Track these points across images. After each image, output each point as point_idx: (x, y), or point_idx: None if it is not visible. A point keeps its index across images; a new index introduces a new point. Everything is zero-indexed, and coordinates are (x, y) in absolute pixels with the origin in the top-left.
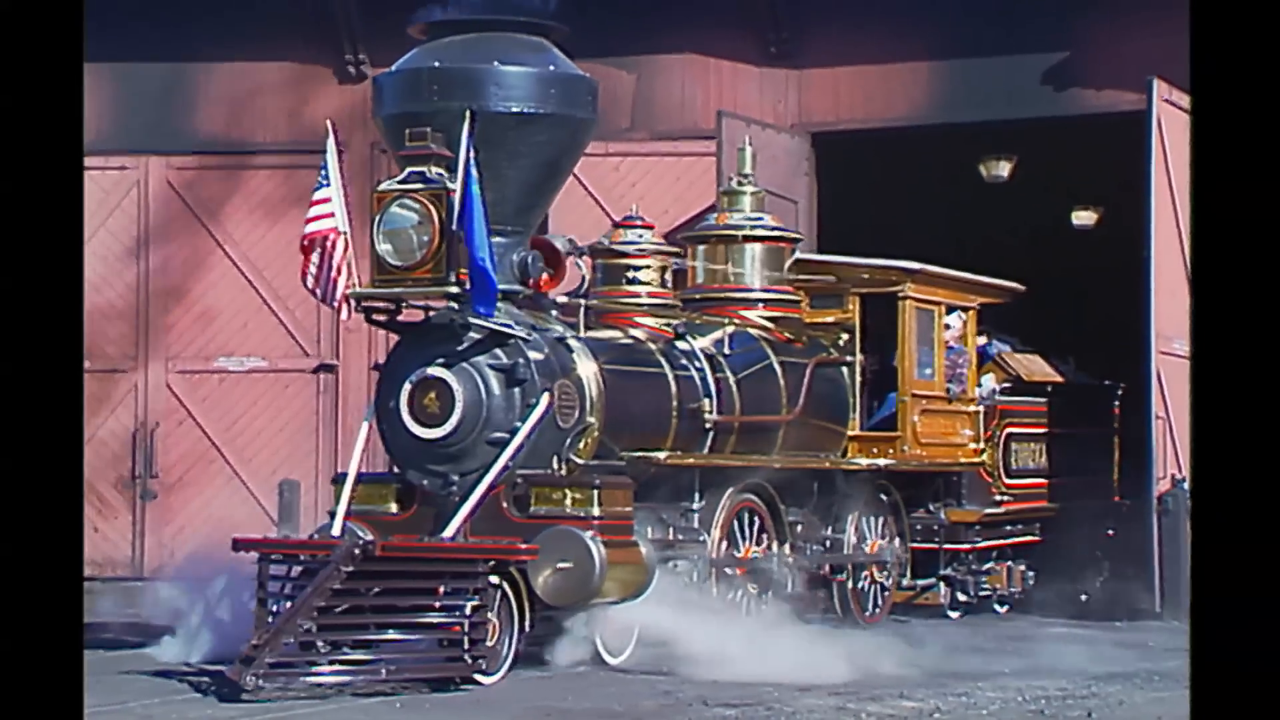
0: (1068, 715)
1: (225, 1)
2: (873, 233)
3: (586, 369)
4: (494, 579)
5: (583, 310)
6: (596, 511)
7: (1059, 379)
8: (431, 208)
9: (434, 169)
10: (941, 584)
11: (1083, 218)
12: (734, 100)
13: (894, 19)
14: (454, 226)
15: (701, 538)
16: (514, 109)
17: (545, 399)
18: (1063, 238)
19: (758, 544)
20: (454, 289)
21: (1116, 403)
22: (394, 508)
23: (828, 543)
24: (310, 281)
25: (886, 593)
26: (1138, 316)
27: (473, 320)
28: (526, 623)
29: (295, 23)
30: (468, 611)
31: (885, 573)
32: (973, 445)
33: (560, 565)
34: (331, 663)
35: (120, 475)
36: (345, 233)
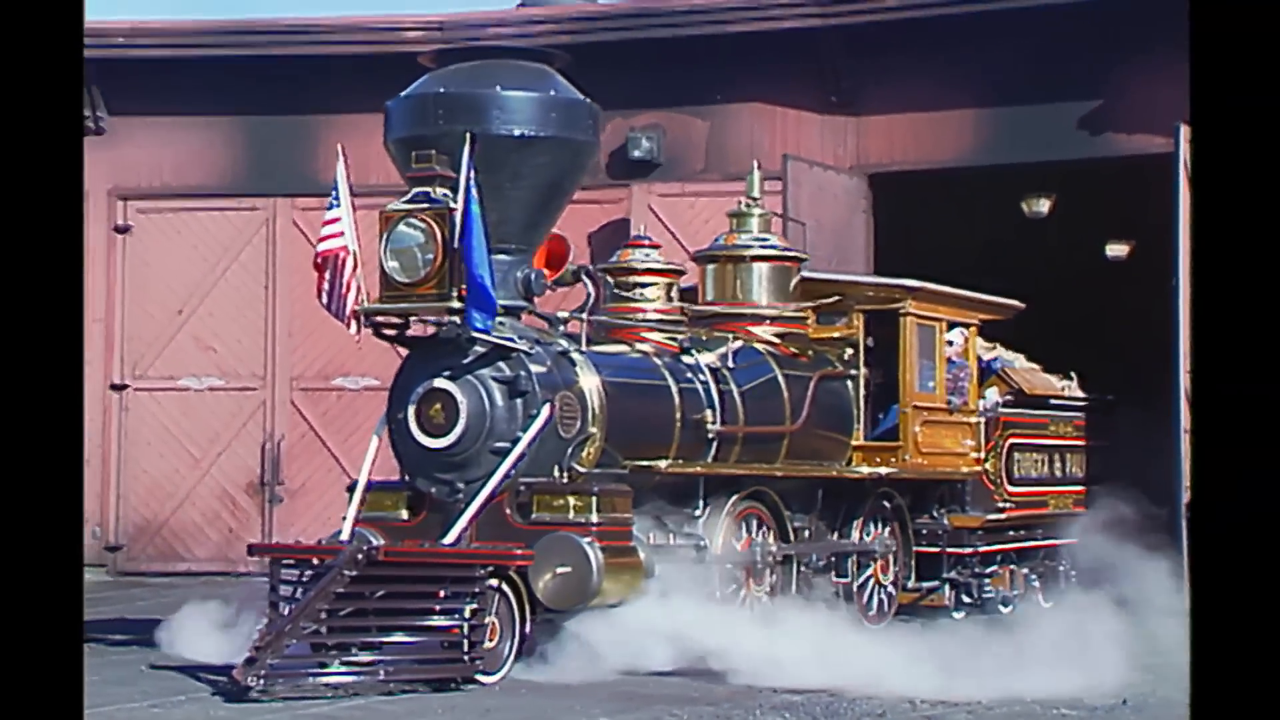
0: (1105, 702)
1: (341, 62)
2: (923, 263)
3: (589, 381)
4: (493, 583)
5: (584, 325)
6: (595, 518)
7: (1059, 393)
8: (436, 226)
9: (439, 189)
10: (946, 586)
11: (1116, 250)
12: (798, 145)
13: (943, 71)
14: (455, 244)
15: (703, 543)
16: (515, 132)
17: (546, 410)
18: (1097, 268)
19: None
20: (456, 304)
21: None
22: (404, 514)
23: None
24: (324, 298)
25: (892, 594)
26: (1165, 338)
27: (474, 334)
28: (527, 625)
29: (401, 81)
30: (467, 615)
31: (889, 575)
32: (974, 455)
33: (559, 570)
34: (334, 664)
35: (251, 482)
36: (355, 251)
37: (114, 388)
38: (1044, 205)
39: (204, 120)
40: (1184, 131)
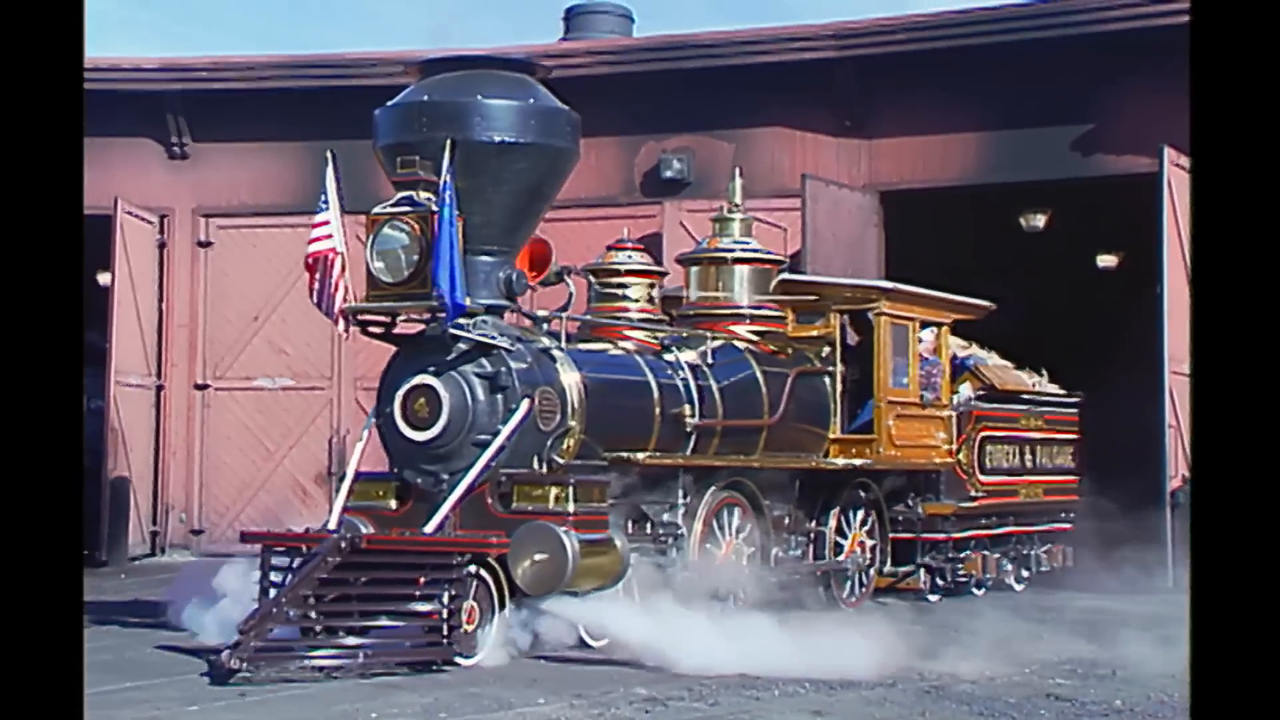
0: (1096, 673)
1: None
2: (930, 273)
3: (569, 378)
4: (472, 569)
5: (564, 324)
6: (572, 508)
7: (1029, 388)
8: (419, 229)
9: (422, 193)
10: (922, 571)
11: (1106, 261)
12: (815, 165)
13: (947, 98)
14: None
15: (681, 531)
16: (496, 139)
17: (525, 404)
18: (1088, 277)
19: (738, 537)
20: (436, 303)
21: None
22: (393, 503)
23: (810, 534)
24: (315, 297)
25: (868, 579)
26: (1151, 340)
27: (459, 332)
28: (506, 610)
29: None
30: (445, 600)
31: (865, 560)
32: (946, 447)
33: (537, 557)
34: (316, 648)
35: (319, 473)
36: (342, 253)
37: (197, 387)
38: (1040, 220)
39: (277, 146)
40: (1167, 152)
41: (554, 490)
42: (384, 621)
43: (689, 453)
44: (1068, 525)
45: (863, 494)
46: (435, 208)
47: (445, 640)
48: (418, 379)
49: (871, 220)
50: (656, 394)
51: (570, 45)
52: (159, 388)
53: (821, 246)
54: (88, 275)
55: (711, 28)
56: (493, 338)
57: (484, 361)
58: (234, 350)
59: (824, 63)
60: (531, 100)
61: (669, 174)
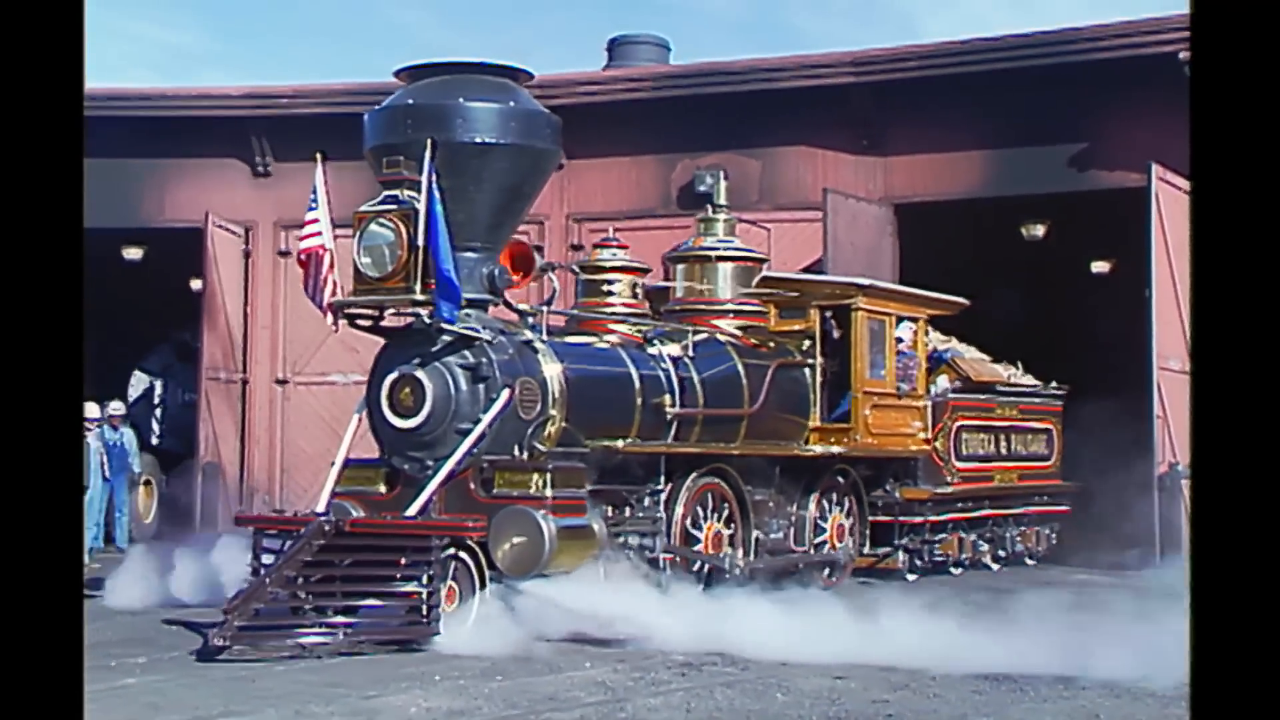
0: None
1: None
2: (939, 278)
3: (551, 369)
4: (451, 551)
5: (545, 316)
6: (550, 493)
7: (1005, 380)
8: (403, 226)
9: (406, 192)
10: (900, 552)
11: (1099, 267)
12: (835, 180)
13: (956, 119)
14: (420, 242)
15: (660, 516)
16: (477, 140)
17: (505, 394)
18: (1084, 281)
19: (720, 521)
20: (420, 296)
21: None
22: (382, 488)
23: (791, 518)
24: (308, 291)
25: (848, 560)
26: (1140, 340)
27: (441, 325)
28: (487, 590)
29: None
30: (424, 581)
31: (845, 542)
32: (922, 435)
33: (516, 540)
34: (299, 627)
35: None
36: (331, 249)
37: (278, 382)
38: (1039, 230)
39: (349, 164)
40: (1155, 169)
41: (534, 476)
42: (374, 602)
43: (670, 441)
44: (1049, 508)
45: (842, 479)
46: (419, 205)
47: (425, 619)
48: (403, 370)
49: (887, 230)
50: (638, 385)
51: (613, 73)
52: (244, 382)
53: (841, 254)
54: (183, 282)
55: (741, 56)
56: (476, 330)
57: (466, 353)
58: (310, 349)
59: (843, 87)
60: (512, 103)
61: (702, 189)
